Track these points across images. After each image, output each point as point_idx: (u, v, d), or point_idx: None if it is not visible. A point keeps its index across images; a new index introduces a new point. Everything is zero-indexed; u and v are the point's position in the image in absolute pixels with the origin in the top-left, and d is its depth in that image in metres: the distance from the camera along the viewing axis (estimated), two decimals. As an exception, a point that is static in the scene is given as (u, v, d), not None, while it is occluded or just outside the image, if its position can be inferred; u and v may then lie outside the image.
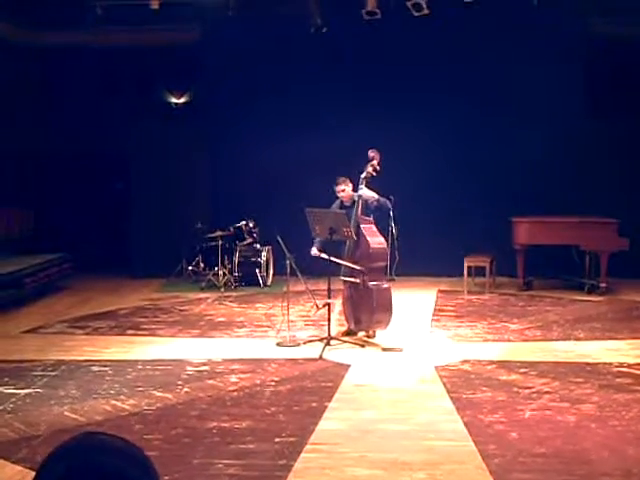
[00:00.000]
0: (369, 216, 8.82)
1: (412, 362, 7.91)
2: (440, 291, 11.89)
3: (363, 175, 8.85)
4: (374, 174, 8.88)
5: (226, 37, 13.06)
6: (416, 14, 11.47)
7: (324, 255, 8.70)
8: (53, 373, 7.49)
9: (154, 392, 6.84)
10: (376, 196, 8.78)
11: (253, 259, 12.40)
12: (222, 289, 11.98)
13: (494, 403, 6.46)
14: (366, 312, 8.67)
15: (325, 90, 12.63)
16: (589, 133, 12.55)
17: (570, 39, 12.54)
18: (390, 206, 8.88)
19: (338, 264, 8.72)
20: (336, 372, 7.50)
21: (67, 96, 14.32)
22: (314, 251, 8.89)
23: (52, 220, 14.27)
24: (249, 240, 12.49)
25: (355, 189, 8.90)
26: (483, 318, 9.98)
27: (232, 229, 12.38)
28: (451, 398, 6.62)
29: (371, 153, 8.95)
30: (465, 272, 11.65)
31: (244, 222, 12.44)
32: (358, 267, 8.62)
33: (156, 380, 7.25)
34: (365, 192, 8.79)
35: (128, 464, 1.27)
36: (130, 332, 9.39)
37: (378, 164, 8.89)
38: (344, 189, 8.90)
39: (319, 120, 12.46)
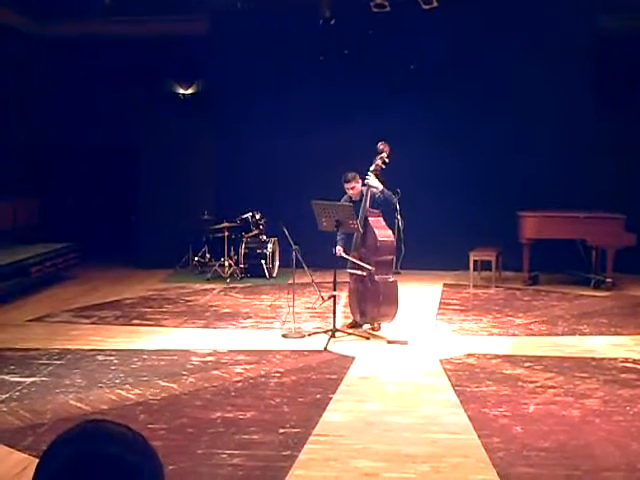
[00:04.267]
0: (376, 209, 8.80)
1: (417, 355, 7.91)
2: (446, 285, 11.87)
3: (372, 168, 8.81)
4: (383, 167, 8.85)
5: (234, 28, 13.05)
6: (425, 7, 11.44)
7: (345, 255, 8.68)
8: (58, 362, 7.51)
9: (159, 382, 6.86)
10: (381, 187, 8.74)
11: (259, 250, 12.40)
12: (228, 280, 11.99)
13: (498, 397, 6.46)
14: (372, 305, 8.66)
15: (332, 82, 12.62)
16: (596, 129, 12.50)
17: (578, 36, 12.50)
18: (395, 202, 8.86)
19: (358, 266, 8.66)
20: (341, 364, 7.51)
21: (74, 86, 14.33)
22: (339, 250, 8.72)
23: (58, 209, 14.30)
24: (255, 231, 12.50)
25: (363, 182, 8.87)
26: (488, 312, 9.97)
27: (239, 220, 12.39)
28: (455, 391, 6.63)
29: (381, 145, 8.92)
30: (471, 266, 11.64)
31: (250, 213, 12.45)
32: (370, 267, 8.58)
33: (161, 370, 7.27)
34: (372, 181, 8.75)
35: (132, 452, 1.27)
36: (136, 322, 9.41)
37: (387, 157, 8.86)
38: (354, 186, 8.87)
39: (326, 112, 12.45)
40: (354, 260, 8.69)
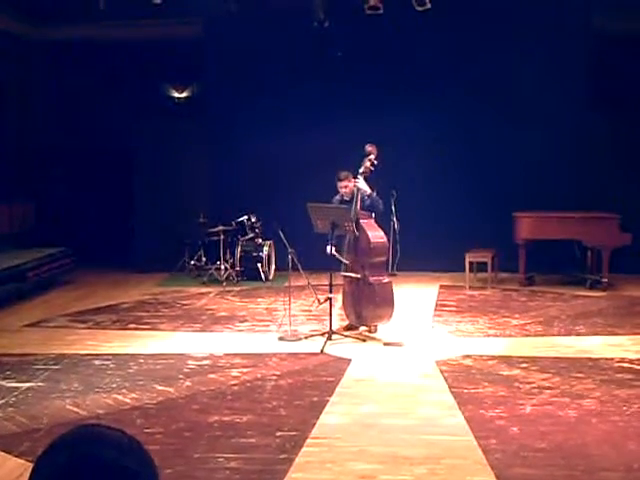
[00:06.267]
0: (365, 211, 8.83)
1: (413, 357, 7.92)
2: (442, 286, 11.87)
3: (361, 170, 8.85)
4: (372, 169, 8.88)
5: (228, 32, 13.06)
6: (418, 9, 11.44)
7: (338, 256, 8.68)
8: (55, 367, 7.50)
9: (155, 386, 6.86)
10: (369, 190, 8.77)
11: (255, 254, 12.40)
12: (224, 283, 11.98)
13: (495, 398, 6.47)
14: (368, 307, 8.67)
15: (326, 85, 12.62)
16: (591, 128, 12.53)
17: (573, 34, 12.53)
18: (382, 208, 8.92)
19: (351, 269, 8.68)
20: (337, 366, 7.51)
21: (68, 90, 14.33)
22: (330, 250, 8.69)
23: (54, 214, 14.28)
24: (251, 235, 12.49)
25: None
26: (485, 313, 9.97)
27: (234, 224, 12.38)
28: (452, 393, 6.63)
29: (368, 147, 8.94)
30: (467, 267, 11.64)
31: (246, 217, 12.45)
32: (359, 275, 8.61)
33: (157, 374, 7.26)
34: (361, 184, 8.78)
35: (127, 456, 1.27)
36: (132, 326, 9.40)
37: (375, 159, 8.88)
38: (346, 185, 8.89)
39: (320, 114, 12.44)
40: (343, 260, 8.69)
